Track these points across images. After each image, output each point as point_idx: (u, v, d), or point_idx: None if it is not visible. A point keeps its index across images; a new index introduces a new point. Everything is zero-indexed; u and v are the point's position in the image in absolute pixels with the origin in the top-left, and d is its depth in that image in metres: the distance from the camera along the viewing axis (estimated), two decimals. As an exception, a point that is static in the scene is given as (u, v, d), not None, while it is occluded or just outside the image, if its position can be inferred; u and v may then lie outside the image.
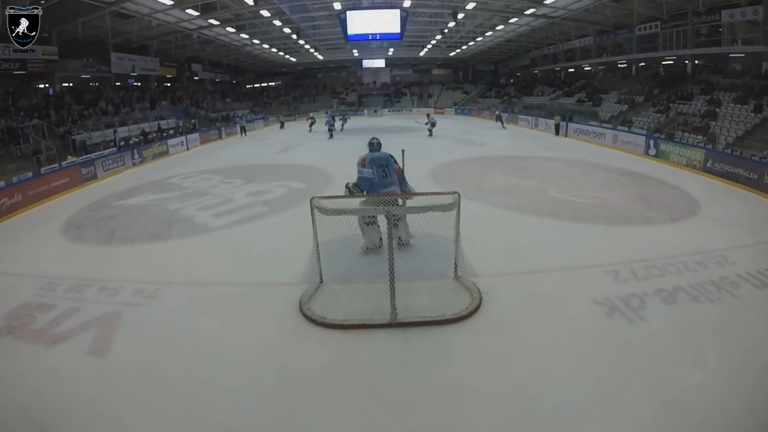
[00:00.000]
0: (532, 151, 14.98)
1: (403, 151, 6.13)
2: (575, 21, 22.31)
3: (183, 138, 19.11)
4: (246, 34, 23.97)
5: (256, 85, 39.35)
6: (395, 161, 5.55)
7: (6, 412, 3.22)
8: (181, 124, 21.21)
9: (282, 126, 29.16)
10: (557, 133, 19.86)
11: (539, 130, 22.14)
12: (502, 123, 23.48)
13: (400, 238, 5.59)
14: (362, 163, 5.36)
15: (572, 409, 3.11)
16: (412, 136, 20.32)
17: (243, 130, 25.06)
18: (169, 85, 26.53)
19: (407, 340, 3.97)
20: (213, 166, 13.53)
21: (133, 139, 17.07)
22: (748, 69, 16.28)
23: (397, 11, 20.14)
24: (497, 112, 25.37)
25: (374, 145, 5.60)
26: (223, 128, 23.87)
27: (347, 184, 5.40)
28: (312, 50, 31.45)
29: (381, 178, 5.30)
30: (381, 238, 5.52)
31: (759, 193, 8.95)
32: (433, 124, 20.38)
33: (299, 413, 3.15)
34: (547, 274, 5.24)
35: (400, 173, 5.57)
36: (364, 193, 5.26)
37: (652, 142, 13.83)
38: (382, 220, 5.23)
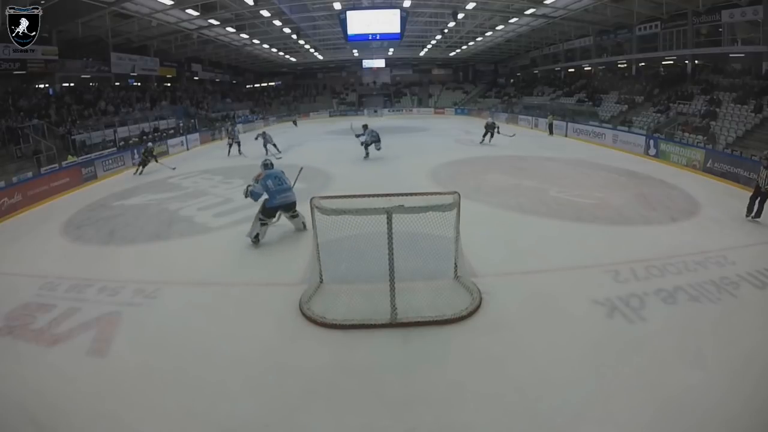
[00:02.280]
0: (532, 151, 14.97)
1: (301, 168, 7.80)
2: (575, 21, 22.29)
3: (183, 138, 19.12)
4: (246, 34, 23.93)
5: (256, 85, 39.33)
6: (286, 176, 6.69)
7: (6, 412, 3.22)
8: (181, 124, 21.18)
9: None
10: (551, 132, 20.04)
11: (540, 130, 22.12)
12: (491, 135, 16.58)
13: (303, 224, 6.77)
14: (255, 179, 6.49)
15: (572, 409, 3.11)
16: (410, 136, 20.34)
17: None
18: (169, 85, 26.50)
19: (407, 340, 3.97)
20: (213, 166, 13.53)
21: (133, 138, 17.08)
22: (748, 69, 16.28)
23: (397, 11, 20.12)
24: (490, 120, 17.94)
25: (268, 165, 6.70)
26: (223, 128, 23.73)
27: (248, 185, 6.58)
28: (312, 50, 31.43)
29: (278, 186, 6.39)
30: (259, 238, 6.37)
31: (759, 193, 8.93)
32: (374, 141, 13.22)
33: (299, 413, 3.15)
34: (547, 274, 5.24)
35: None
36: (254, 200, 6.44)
37: (652, 142, 13.82)
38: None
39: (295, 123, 29.47)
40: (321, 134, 22.27)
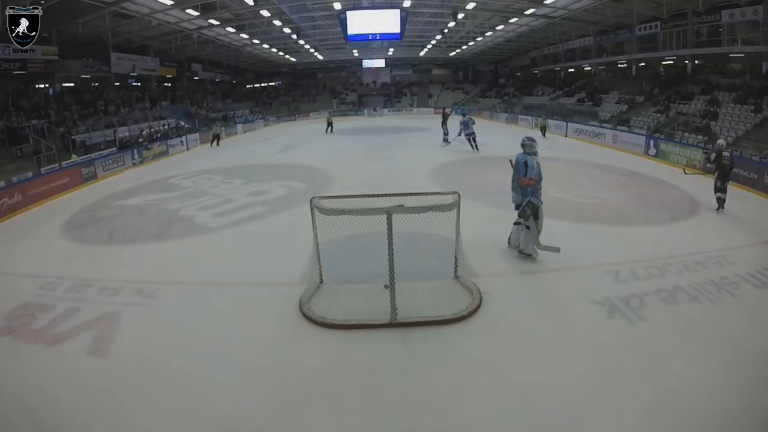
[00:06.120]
0: (532, 151, 14.92)
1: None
2: (575, 21, 22.31)
3: (183, 138, 19.11)
4: (246, 34, 23.95)
5: (256, 85, 39.34)
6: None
7: (6, 412, 3.22)
8: (182, 124, 21.16)
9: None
10: (543, 134, 20.02)
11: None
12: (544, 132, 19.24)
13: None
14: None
15: (572, 409, 3.11)
16: (410, 136, 20.32)
17: (217, 138, 19.40)
18: (169, 85, 26.52)
19: (407, 340, 3.97)
20: (213, 166, 13.52)
21: (138, 139, 17.10)
22: (748, 69, 16.29)
23: (397, 11, 20.14)
24: (543, 116, 20.85)
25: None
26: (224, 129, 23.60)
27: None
28: (312, 50, 31.44)
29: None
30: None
31: (759, 193, 8.95)
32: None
33: (299, 413, 3.15)
34: (547, 274, 5.24)
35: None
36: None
37: (652, 142, 13.82)
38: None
39: (329, 124, 23.35)
40: (321, 134, 22.26)
